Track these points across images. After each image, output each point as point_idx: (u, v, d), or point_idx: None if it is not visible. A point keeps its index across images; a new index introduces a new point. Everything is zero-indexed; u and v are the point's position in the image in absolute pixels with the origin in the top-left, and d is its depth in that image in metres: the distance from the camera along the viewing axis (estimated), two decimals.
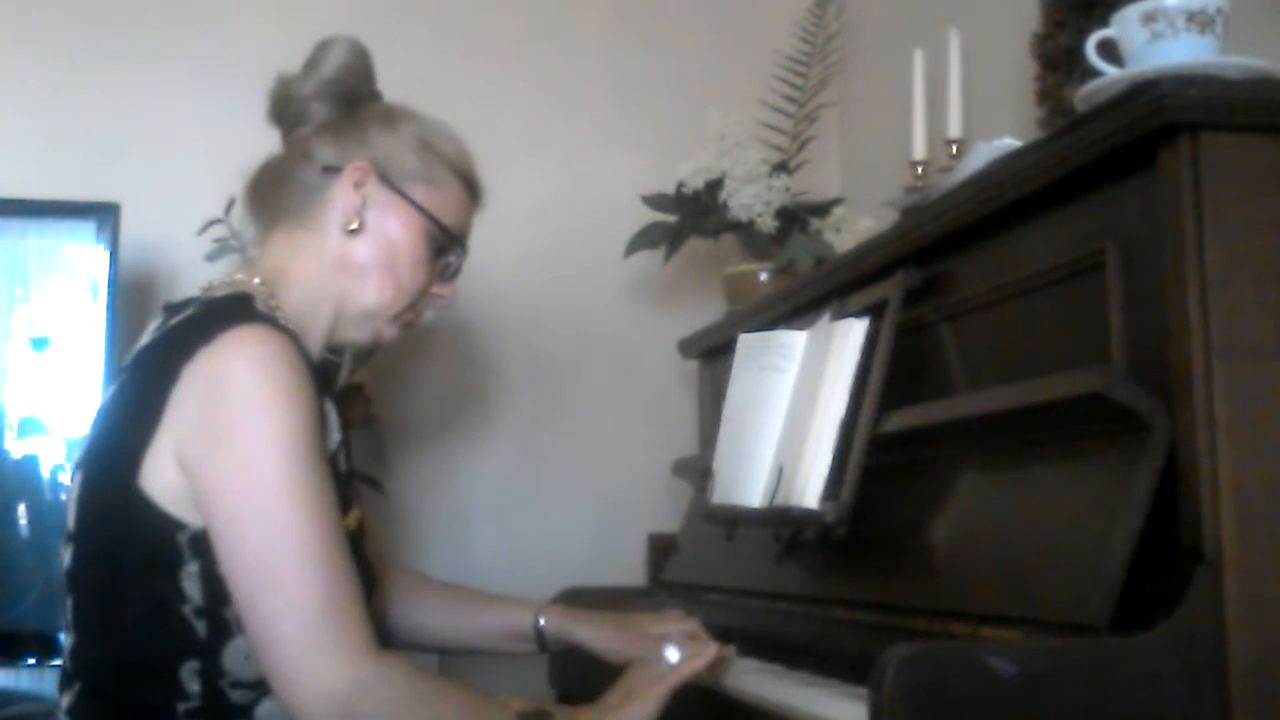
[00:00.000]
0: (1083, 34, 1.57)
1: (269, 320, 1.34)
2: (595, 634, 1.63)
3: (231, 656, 1.29)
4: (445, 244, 1.50)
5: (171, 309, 1.40)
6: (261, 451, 1.24)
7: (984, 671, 1.08)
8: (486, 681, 1.61)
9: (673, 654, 1.47)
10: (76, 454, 1.40)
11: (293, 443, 1.25)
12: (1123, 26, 1.41)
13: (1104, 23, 1.47)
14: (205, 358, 1.27)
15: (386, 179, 1.45)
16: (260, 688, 1.30)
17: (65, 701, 1.35)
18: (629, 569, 2.49)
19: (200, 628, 1.29)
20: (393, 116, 1.49)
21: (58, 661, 2.06)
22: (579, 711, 1.38)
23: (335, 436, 1.40)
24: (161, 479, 1.27)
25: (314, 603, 1.22)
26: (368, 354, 2.26)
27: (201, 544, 1.27)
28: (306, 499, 1.25)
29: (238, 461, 1.24)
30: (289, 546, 1.23)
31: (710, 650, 1.46)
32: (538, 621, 1.66)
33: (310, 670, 1.21)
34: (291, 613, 1.22)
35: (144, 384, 1.32)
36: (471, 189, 1.53)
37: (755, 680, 1.43)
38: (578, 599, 2.06)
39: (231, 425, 1.25)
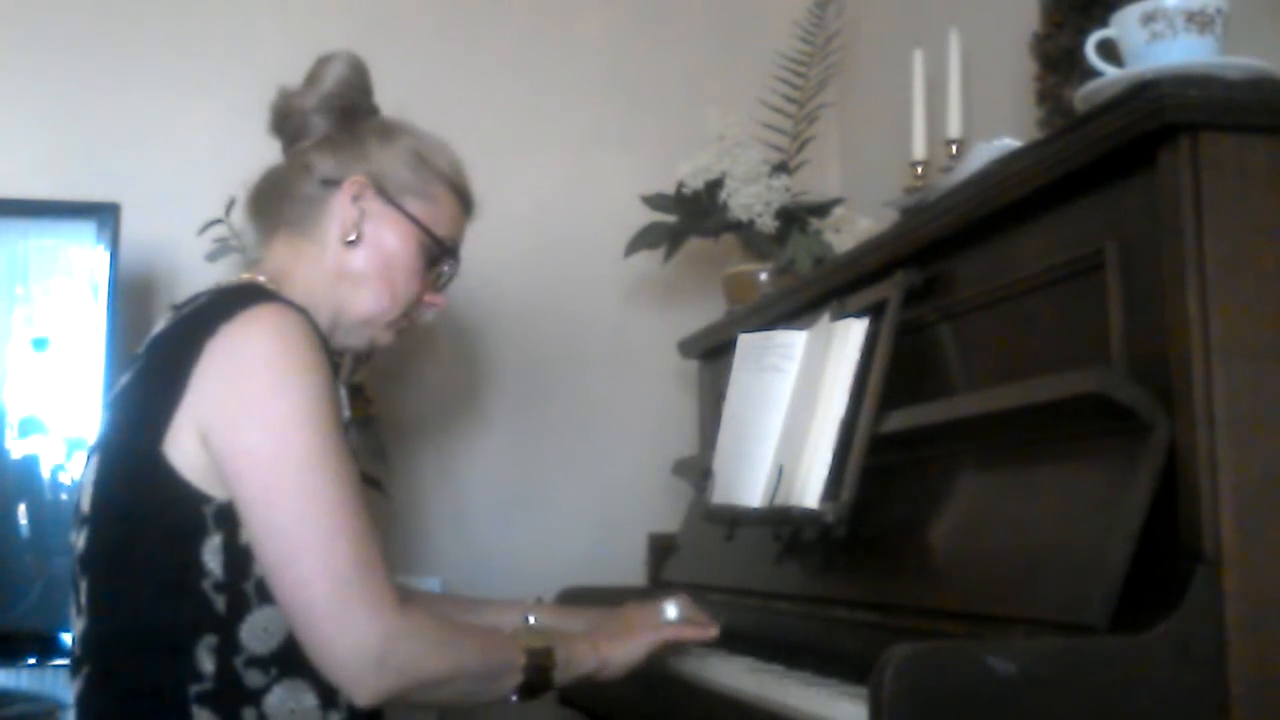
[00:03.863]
0: (1082, 34, 1.57)
1: (285, 300, 1.38)
2: (584, 629, 1.64)
3: (250, 630, 1.31)
4: (438, 254, 1.54)
5: (181, 305, 1.43)
6: (286, 420, 1.28)
7: (984, 671, 1.08)
8: None
9: (672, 610, 1.56)
10: (92, 440, 1.42)
11: (315, 411, 1.29)
12: (1122, 27, 1.41)
13: (1104, 23, 1.47)
14: (227, 333, 1.31)
15: (383, 192, 1.50)
16: (274, 667, 1.31)
17: (75, 689, 1.37)
18: (629, 569, 2.49)
19: (219, 602, 1.30)
20: (390, 131, 1.54)
21: (58, 661, 2.08)
22: (575, 641, 1.44)
23: (345, 414, 1.43)
24: (185, 453, 1.30)
25: (345, 563, 1.25)
26: (367, 355, 2.26)
27: (225, 516, 1.30)
28: (332, 464, 1.28)
29: (264, 430, 1.28)
30: (320, 510, 1.26)
31: (711, 630, 1.56)
32: (527, 621, 1.67)
33: (345, 628, 1.24)
34: (325, 575, 1.25)
35: (166, 363, 1.34)
36: (464, 201, 1.58)
37: (755, 680, 1.43)
38: (577, 599, 2.06)
39: (255, 396, 1.29)
